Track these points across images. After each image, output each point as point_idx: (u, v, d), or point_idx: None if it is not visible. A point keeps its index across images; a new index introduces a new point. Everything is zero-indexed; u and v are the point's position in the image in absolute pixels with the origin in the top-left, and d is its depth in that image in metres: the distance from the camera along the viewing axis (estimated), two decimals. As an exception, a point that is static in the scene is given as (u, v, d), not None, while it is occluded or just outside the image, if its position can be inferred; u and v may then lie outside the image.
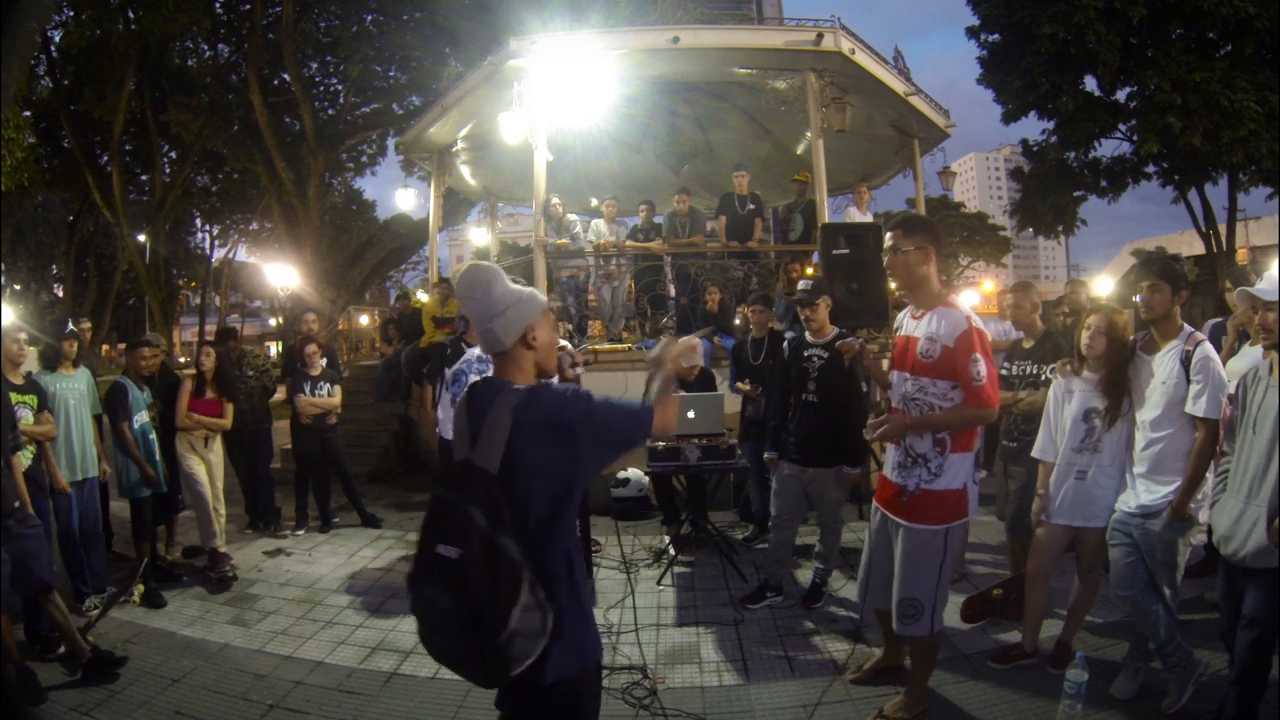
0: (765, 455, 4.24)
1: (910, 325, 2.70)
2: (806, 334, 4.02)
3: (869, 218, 7.87)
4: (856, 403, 3.90)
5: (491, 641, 1.46)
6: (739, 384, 5.30)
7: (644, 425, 1.69)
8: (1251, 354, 3.34)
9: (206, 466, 4.99)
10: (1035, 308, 3.82)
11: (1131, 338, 3.00)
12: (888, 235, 2.67)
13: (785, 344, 4.26)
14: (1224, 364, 3.57)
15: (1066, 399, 3.11)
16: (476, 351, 4.11)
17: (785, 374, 4.12)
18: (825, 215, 7.07)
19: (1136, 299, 3.02)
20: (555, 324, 1.85)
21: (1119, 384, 2.95)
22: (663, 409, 1.71)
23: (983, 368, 2.46)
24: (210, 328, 28.01)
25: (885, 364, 2.94)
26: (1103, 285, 23.90)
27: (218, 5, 15.22)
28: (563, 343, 3.25)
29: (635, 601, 3.95)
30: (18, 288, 26.05)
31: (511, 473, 1.57)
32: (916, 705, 2.84)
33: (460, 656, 1.57)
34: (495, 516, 1.51)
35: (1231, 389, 2.71)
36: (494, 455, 1.58)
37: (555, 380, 2.21)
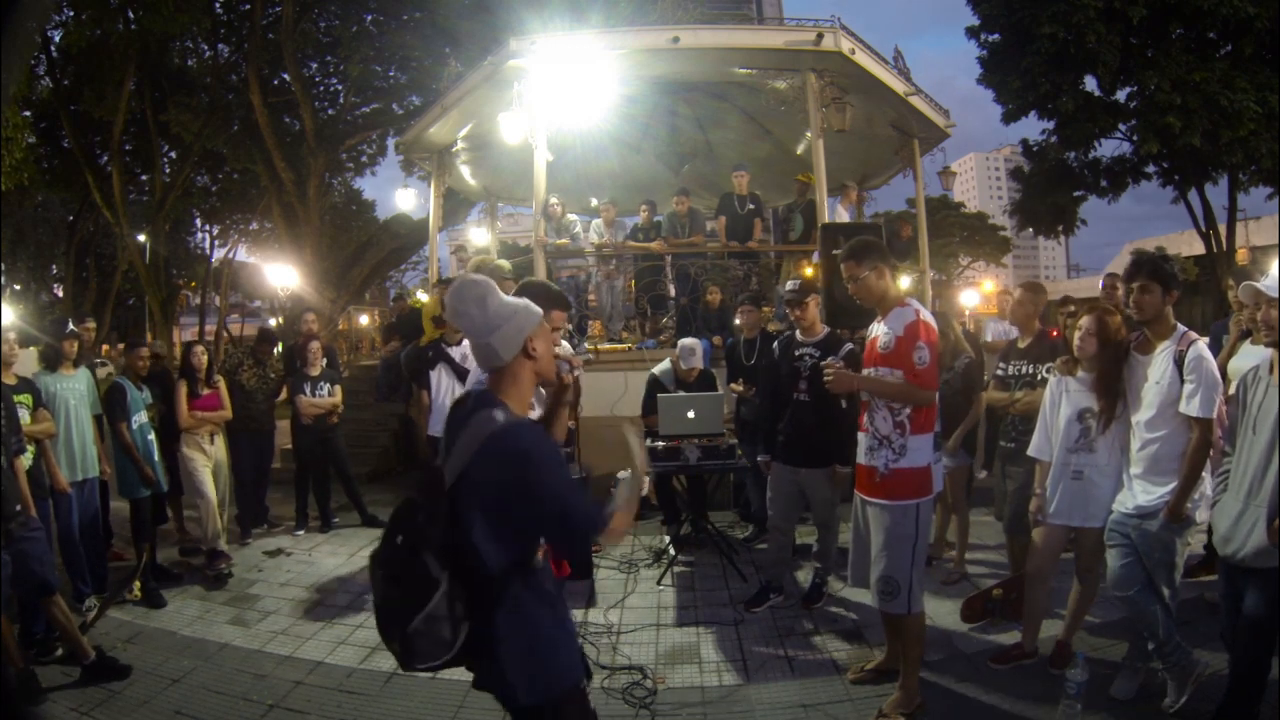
0: (758, 458, 4.22)
1: (875, 328, 2.99)
2: (797, 333, 4.00)
3: (851, 217, 7.87)
4: (849, 401, 3.90)
5: (397, 632, 1.58)
6: (732, 385, 5.31)
7: (593, 533, 1.65)
8: (1252, 353, 3.33)
9: (213, 465, 5.03)
10: (1038, 310, 3.84)
11: (1126, 338, 3.00)
12: (843, 268, 2.93)
13: (775, 343, 4.23)
14: (1227, 363, 3.58)
15: (1062, 398, 3.11)
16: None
17: (775, 373, 4.08)
18: (825, 215, 7.07)
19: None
20: (550, 331, 1.84)
21: (1112, 385, 2.95)
22: (618, 524, 1.67)
23: (925, 354, 2.74)
24: (210, 327, 28.02)
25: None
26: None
27: (218, 5, 15.21)
28: (564, 345, 3.23)
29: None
30: (18, 288, 26.03)
31: (461, 495, 1.61)
32: (911, 701, 2.86)
33: (386, 636, 1.65)
34: (431, 528, 1.59)
35: (1233, 389, 2.71)
36: (454, 473, 1.62)
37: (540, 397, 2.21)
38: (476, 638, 1.63)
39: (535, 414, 2.34)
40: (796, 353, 3.94)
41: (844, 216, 7.70)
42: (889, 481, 2.83)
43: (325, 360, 6.02)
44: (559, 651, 1.72)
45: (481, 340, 1.68)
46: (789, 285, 4.08)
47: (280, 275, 14.81)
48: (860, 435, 3.00)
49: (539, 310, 1.77)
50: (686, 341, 5.30)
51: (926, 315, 2.83)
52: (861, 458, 2.97)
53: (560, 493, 1.60)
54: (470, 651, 1.64)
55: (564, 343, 3.34)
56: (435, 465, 1.68)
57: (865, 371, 2.98)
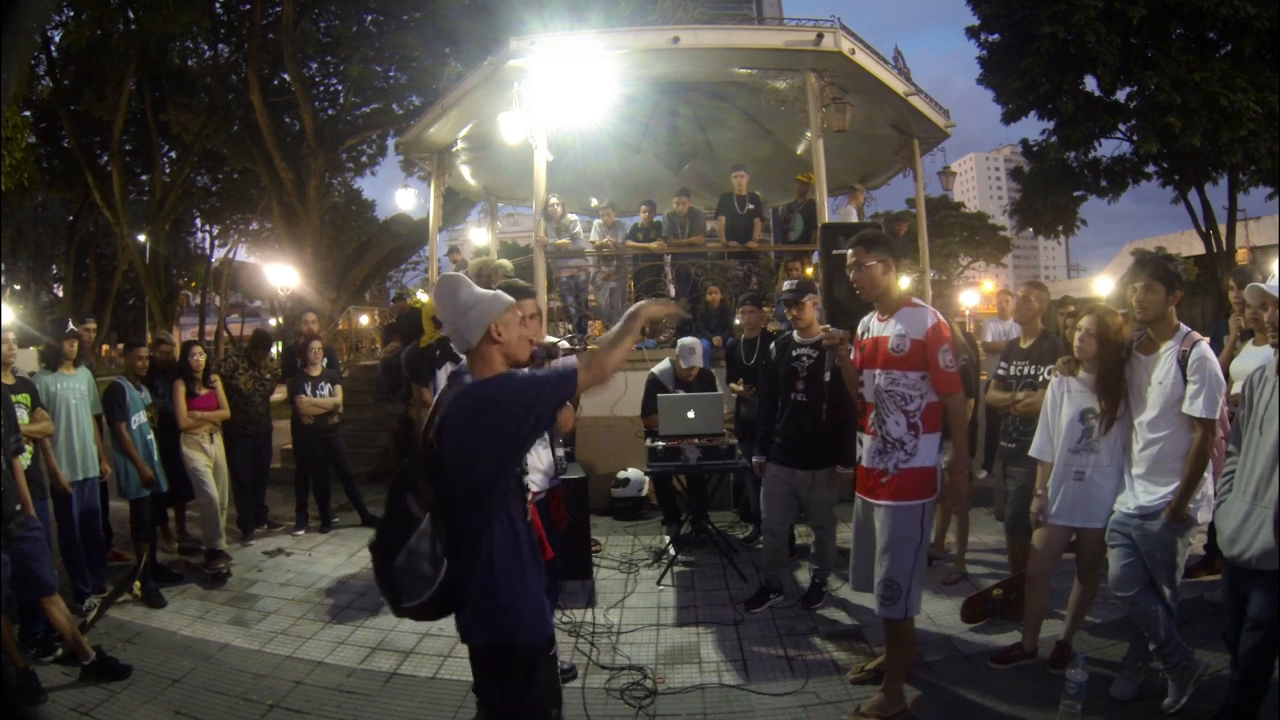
0: (753, 459, 4.18)
1: (877, 328, 2.94)
2: (795, 333, 3.99)
3: (856, 218, 7.85)
4: (847, 401, 3.88)
5: (385, 569, 1.79)
6: (732, 385, 5.30)
7: (567, 386, 1.83)
8: (1255, 354, 3.33)
9: (214, 465, 5.03)
10: (1042, 309, 3.84)
11: (1128, 338, 3.00)
12: (849, 254, 2.94)
13: (773, 344, 4.21)
14: (1228, 362, 3.57)
15: (1064, 399, 3.10)
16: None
17: (773, 374, 4.06)
18: (825, 215, 7.06)
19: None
20: (519, 319, 1.98)
21: (1114, 385, 2.94)
22: (595, 364, 1.85)
23: (950, 356, 2.78)
24: (210, 327, 28.02)
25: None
26: (1103, 285, 23.92)
27: (218, 5, 15.21)
28: (552, 340, 3.25)
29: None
30: (18, 288, 26.04)
31: (440, 444, 1.82)
32: (892, 706, 2.84)
33: (380, 580, 1.85)
34: (416, 478, 1.81)
35: (1237, 389, 2.70)
36: (434, 428, 1.85)
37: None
38: (456, 587, 1.80)
39: None
40: (794, 353, 3.92)
41: (852, 218, 7.69)
42: (897, 481, 2.81)
43: (326, 360, 6.02)
44: (523, 602, 1.84)
45: (453, 327, 1.89)
46: (786, 285, 4.07)
47: (280, 275, 14.82)
48: (864, 438, 2.96)
49: (508, 299, 1.94)
50: (686, 340, 5.30)
51: (942, 317, 2.86)
52: (866, 461, 2.93)
53: (529, 379, 1.82)
54: (452, 599, 1.81)
55: (552, 339, 3.35)
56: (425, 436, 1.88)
57: (870, 373, 2.92)
